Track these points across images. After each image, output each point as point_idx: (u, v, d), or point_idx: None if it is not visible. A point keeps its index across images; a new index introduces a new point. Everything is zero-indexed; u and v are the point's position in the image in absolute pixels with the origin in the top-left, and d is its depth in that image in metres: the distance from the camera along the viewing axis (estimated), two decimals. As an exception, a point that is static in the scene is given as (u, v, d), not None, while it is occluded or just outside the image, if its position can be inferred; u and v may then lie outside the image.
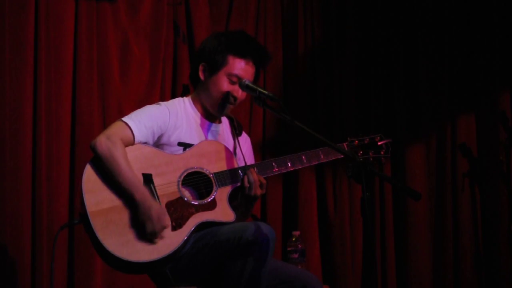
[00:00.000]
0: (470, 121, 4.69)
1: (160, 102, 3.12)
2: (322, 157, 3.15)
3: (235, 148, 3.17)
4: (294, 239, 3.87)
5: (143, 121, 2.96)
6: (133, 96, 4.39)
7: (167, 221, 2.82)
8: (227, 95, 3.05)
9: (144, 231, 2.78)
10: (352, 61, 4.81)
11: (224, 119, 3.24)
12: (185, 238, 2.82)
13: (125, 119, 2.95)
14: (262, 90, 2.90)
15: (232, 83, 3.05)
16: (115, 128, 2.93)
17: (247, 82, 2.96)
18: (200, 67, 3.10)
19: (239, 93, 3.06)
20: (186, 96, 3.19)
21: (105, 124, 4.27)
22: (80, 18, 4.22)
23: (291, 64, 4.79)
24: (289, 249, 3.78)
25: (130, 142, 2.92)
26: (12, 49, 4.02)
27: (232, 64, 3.04)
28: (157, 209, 2.80)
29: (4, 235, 3.92)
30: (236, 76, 3.04)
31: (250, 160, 3.24)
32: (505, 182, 4.44)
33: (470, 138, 4.66)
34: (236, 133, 3.20)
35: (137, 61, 4.42)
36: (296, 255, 3.55)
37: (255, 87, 2.93)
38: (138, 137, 2.93)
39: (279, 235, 4.55)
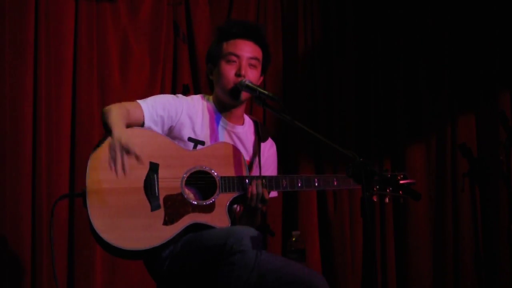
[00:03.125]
0: (470, 121, 4.69)
1: (179, 95, 3.08)
2: (335, 184, 3.08)
3: (254, 154, 3.11)
4: (294, 239, 3.86)
5: (156, 107, 2.93)
6: (133, 96, 4.37)
7: (133, 147, 2.74)
8: (233, 77, 3.01)
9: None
10: (352, 61, 4.81)
11: (249, 122, 3.18)
12: (173, 235, 2.80)
13: (139, 100, 2.94)
14: (262, 90, 2.90)
15: (232, 63, 3.02)
16: (127, 102, 2.93)
17: (247, 82, 2.94)
18: (208, 70, 3.12)
19: (243, 70, 3.01)
20: (205, 97, 3.14)
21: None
22: (80, 18, 4.22)
23: (291, 64, 4.79)
24: (289, 249, 3.77)
25: (138, 122, 2.90)
26: (12, 49, 4.02)
27: (226, 47, 3.04)
28: (126, 137, 2.74)
29: (4, 235, 3.92)
30: (232, 54, 3.02)
31: (271, 168, 3.19)
32: (505, 182, 4.43)
33: (470, 138, 4.66)
34: (259, 139, 3.14)
35: (137, 61, 4.42)
36: (296, 255, 3.55)
37: (255, 87, 2.92)
38: (147, 120, 2.91)
39: (279, 235, 4.55)
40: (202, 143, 2.98)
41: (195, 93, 4.55)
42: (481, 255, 4.55)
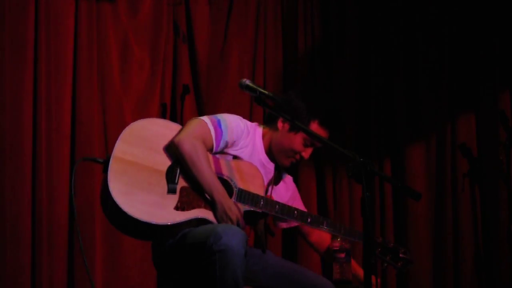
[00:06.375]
0: (470, 121, 4.68)
1: (243, 119, 3.11)
2: (342, 231, 3.21)
3: (266, 191, 3.16)
4: (339, 238, 3.78)
5: (225, 136, 2.98)
6: (133, 96, 4.40)
7: (243, 222, 2.90)
8: (296, 154, 3.12)
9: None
10: (352, 61, 4.81)
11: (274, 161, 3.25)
12: (179, 222, 2.83)
13: (210, 126, 2.95)
14: (262, 90, 2.89)
15: (305, 146, 3.11)
16: (200, 131, 2.94)
17: (247, 82, 2.95)
18: (281, 118, 3.10)
19: (307, 155, 3.13)
20: (260, 126, 3.19)
21: (105, 124, 4.28)
22: (80, 18, 4.23)
23: (291, 64, 4.79)
24: (335, 248, 3.69)
25: (208, 149, 2.95)
26: (12, 49, 4.03)
27: (311, 129, 3.07)
28: (235, 210, 2.87)
29: (4, 235, 3.92)
30: (312, 142, 3.08)
31: (298, 197, 3.35)
32: (505, 182, 4.43)
33: (470, 138, 4.66)
34: (273, 181, 3.20)
35: (137, 61, 4.42)
36: (342, 255, 3.49)
37: (255, 87, 2.92)
38: (216, 150, 2.98)
39: (279, 234, 4.55)
40: None
41: (195, 93, 4.58)
42: (481, 255, 4.55)
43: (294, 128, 3.07)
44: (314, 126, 3.10)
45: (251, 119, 4.63)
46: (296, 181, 4.59)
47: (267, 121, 3.21)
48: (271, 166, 3.17)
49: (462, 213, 4.60)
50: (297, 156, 3.13)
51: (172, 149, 2.89)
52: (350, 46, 4.81)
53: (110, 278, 4.18)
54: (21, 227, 3.96)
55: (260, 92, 2.89)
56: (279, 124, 3.12)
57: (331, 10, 4.84)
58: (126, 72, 4.39)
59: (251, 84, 2.94)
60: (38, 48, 4.08)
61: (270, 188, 3.16)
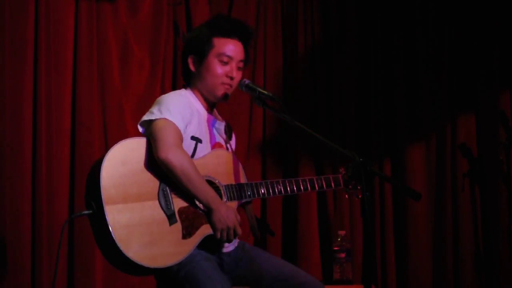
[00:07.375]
0: (470, 121, 4.68)
1: (181, 92, 3.02)
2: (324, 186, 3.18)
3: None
4: (339, 238, 3.77)
5: (185, 117, 2.90)
6: (133, 96, 4.40)
7: (239, 227, 2.84)
8: (223, 77, 2.99)
9: (217, 237, 2.81)
10: (352, 61, 4.81)
11: (221, 118, 3.18)
12: (193, 248, 2.78)
13: (170, 118, 2.84)
14: (262, 90, 2.89)
15: (224, 63, 2.99)
16: (172, 134, 2.83)
17: (247, 82, 2.95)
18: (189, 60, 3.03)
19: (234, 73, 3.00)
20: (187, 88, 3.07)
21: (105, 124, 4.27)
22: (80, 18, 4.23)
23: (291, 64, 4.79)
24: (335, 248, 3.67)
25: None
26: (12, 49, 4.03)
27: (218, 45, 2.99)
28: (232, 216, 2.81)
29: (4, 235, 3.92)
30: (226, 55, 2.98)
31: None
32: (505, 182, 4.43)
33: (470, 138, 4.66)
34: (228, 137, 3.15)
35: (137, 61, 4.42)
36: (343, 255, 3.49)
37: (255, 87, 2.92)
38: (182, 133, 2.89)
39: (279, 234, 4.55)
40: (200, 141, 2.96)
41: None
42: (481, 255, 4.55)
43: (202, 57, 2.97)
44: (219, 41, 2.99)
45: (251, 119, 4.64)
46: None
47: (186, 78, 3.09)
48: (220, 125, 3.08)
49: (462, 213, 4.60)
50: (226, 80, 2.99)
51: (152, 169, 2.78)
52: (350, 46, 4.81)
53: (110, 278, 4.17)
54: (21, 227, 3.95)
55: (260, 92, 2.89)
56: (191, 66, 3.02)
57: (331, 10, 4.84)
58: (126, 72, 4.40)
59: (251, 84, 2.94)
60: (38, 48, 4.07)
61: (229, 146, 3.10)
